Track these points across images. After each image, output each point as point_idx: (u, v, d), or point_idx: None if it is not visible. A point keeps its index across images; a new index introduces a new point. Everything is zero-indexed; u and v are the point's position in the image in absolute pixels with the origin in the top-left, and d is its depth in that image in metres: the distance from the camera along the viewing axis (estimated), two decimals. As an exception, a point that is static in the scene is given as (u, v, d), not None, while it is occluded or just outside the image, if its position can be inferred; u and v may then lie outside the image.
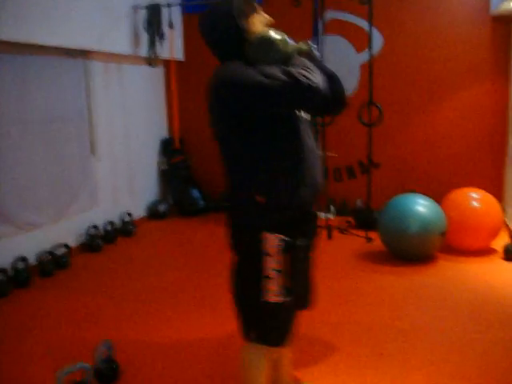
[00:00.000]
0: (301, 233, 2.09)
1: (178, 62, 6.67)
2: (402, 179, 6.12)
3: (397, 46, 6.10)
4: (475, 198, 4.91)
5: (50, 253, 4.66)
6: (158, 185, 6.83)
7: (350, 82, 6.32)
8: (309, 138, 2.11)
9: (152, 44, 5.76)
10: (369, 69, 5.17)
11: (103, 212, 5.56)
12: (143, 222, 6.24)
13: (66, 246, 4.84)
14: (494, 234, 4.88)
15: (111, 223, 5.56)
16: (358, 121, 5.37)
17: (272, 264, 2.01)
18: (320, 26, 5.61)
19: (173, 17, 6.00)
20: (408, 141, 6.25)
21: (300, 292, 2.19)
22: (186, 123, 6.90)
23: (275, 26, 2.07)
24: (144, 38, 5.82)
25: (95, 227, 5.30)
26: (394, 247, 4.83)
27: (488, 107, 5.98)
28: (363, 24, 5.97)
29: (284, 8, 5.82)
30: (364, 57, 6.25)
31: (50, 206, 4.80)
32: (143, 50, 5.84)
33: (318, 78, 1.89)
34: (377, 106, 5.20)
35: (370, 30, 5.25)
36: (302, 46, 2.05)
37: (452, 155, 6.15)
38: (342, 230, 5.70)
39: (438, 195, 5.10)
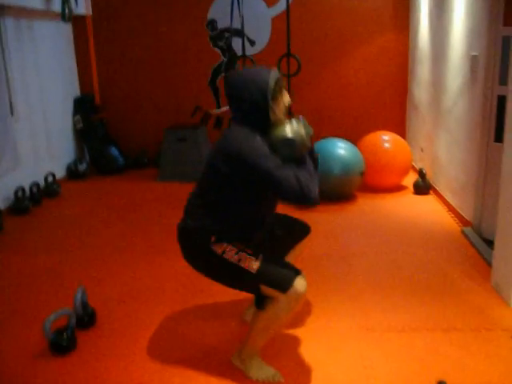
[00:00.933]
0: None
1: (84, 18, 6.51)
2: (319, 126, 6.52)
3: (306, 1, 6.40)
4: (387, 140, 5.42)
5: (-18, 216, 4.53)
6: (75, 144, 6.71)
7: (263, 36, 6.57)
8: (268, 210, 2.55)
9: (65, -1, 5.58)
10: (286, 22, 5.41)
11: (26, 173, 5.42)
12: (64, 183, 6.14)
13: (-3, 208, 4.72)
14: (405, 172, 5.44)
15: (36, 184, 5.45)
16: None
17: (231, 253, 2.34)
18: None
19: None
20: (321, 90, 6.65)
21: (291, 232, 2.72)
22: (101, 81, 6.80)
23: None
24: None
25: (22, 189, 5.17)
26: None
27: (391, 57, 6.54)
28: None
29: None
30: (274, 11, 6.51)
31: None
32: (55, 6, 5.64)
33: (316, 188, 2.21)
34: (295, 58, 5.48)
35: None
36: (309, 133, 2.29)
37: (361, 102, 6.69)
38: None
39: (352, 139, 5.54)
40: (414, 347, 2.68)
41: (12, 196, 5.14)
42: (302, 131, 2.27)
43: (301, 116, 2.36)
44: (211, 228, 2.39)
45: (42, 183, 5.63)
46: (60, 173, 6.20)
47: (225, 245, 2.35)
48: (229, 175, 2.30)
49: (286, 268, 2.35)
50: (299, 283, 2.25)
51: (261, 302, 2.40)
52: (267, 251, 2.41)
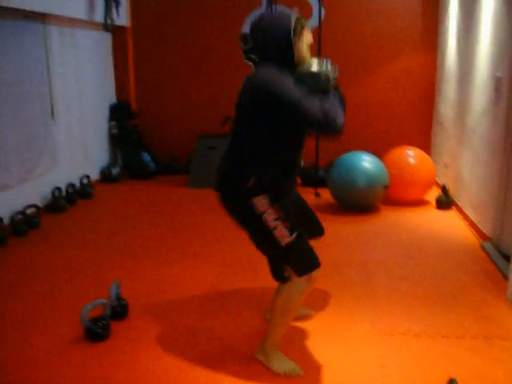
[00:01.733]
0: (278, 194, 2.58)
1: (125, 28, 6.81)
2: (346, 140, 6.67)
3: (336, 18, 6.60)
4: (411, 155, 5.56)
5: (22, 213, 4.78)
6: (109, 149, 6.99)
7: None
8: (301, 151, 2.65)
9: (108, 9, 5.86)
10: (317, 39, 5.60)
11: (63, 175, 5.70)
12: (98, 185, 6.40)
13: (36, 206, 4.97)
14: (428, 187, 5.57)
15: (72, 185, 5.71)
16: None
17: (271, 217, 2.46)
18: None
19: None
20: (350, 104, 6.76)
21: (309, 224, 2.77)
22: (137, 89, 7.11)
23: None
24: (98, 3, 5.90)
25: (59, 189, 5.43)
26: (343, 200, 5.38)
27: (418, 75, 6.68)
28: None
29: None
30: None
31: (17, 168, 4.90)
32: (97, 16, 5.94)
33: (340, 118, 2.37)
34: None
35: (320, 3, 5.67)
36: (334, 74, 2.46)
37: (388, 117, 6.84)
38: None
39: (377, 154, 5.69)
40: (429, 351, 2.81)
41: (49, 195, 5.41)
42: (328, 68, 2.42)
43: (326, 58, 2.51)
44: (248, 169, 2.47)
45: (77, 184, 5.90)
46: (94, 175, 6.47)
47: (267, 205, 2.43)
48: (258, 110, 2.41)
49: (311, 255, 2.53)
50: (314, 273, 2.49)
51: (275, 273, 2.66)
52: (301, 229, 2.53)
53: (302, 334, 2.98)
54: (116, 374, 2.65)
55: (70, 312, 3.24)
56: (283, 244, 2.45)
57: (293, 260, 2.50)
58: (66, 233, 4.83)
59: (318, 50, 5.64)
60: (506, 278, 3.60)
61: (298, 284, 2.50)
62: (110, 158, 6.98)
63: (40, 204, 5.25)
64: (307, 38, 2.50)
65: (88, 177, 6.05)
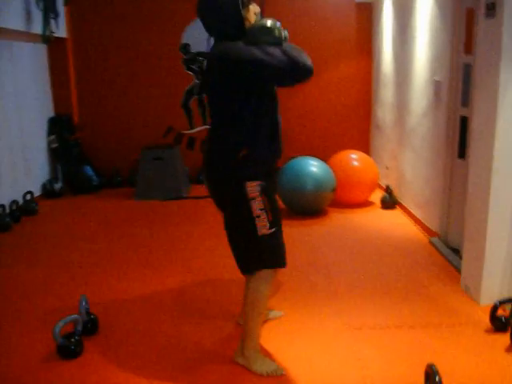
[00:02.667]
0: (269, 179, 2.63)
1: (64, 40, 6.67)
2: (288, 146, 6.82)
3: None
4: (355, 159, 5.77)
5: (-33, 233, 4.58)
6: (50, 163, 6.79)
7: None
8: (279, 110, 2.67)
9: (46, 21, 5.71)
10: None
11: (5, 192, 5.50)
12: (40, 201, 6.20)
13: (-20, 225, 4.78)
14: (372, 188, 5.80)
15: (15, 202, 5.52)
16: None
17: (257, 205, 2.53)
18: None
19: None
20: (290, 111, 6.98)
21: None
22: (78, 102, 6.97)
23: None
24: (36, 14, 5.75)
25: (2, 206, 5.24)
26: (292, 204, 5.49)
27: (355, 81, 6.97)
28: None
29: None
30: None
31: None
32: (35, 27, 5.78)
33: (308, 59, 2.42)
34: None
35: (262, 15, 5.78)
36: (285, 32, 2.54)
37: (328, 123, 7.09)
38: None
39: (320, 158, 5.84)
40: (399, 342, 2.95)
41: (-8, 213, 5.20)
42: (279, 24, 2.47)
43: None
44: (235, 141, 2.50)
45: (20, 201, 5.70)
46: (36, 191, 6.27)
47: (257, 193, 2.50)
48: (227, 81, 2.44)
49: (282, 252, 2.64)
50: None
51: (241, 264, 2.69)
52: (280, 226, 2.62)
53: (276, 336, 3.04)
54: (96, 389, 2.62)
55: (38, 330, 3.15)
56: (259, 234, 2.52)
57: (263, 252, 2.57)
58: (15, 251, 4.65)
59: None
60: (457, 270, 3.82)
61: (263, 276, 2.59)
62: (50, 173, 6.78)
63: (-18, 223, 5.04)
64: (254, 8, 2.56)
65: (31, 193, 5.86)
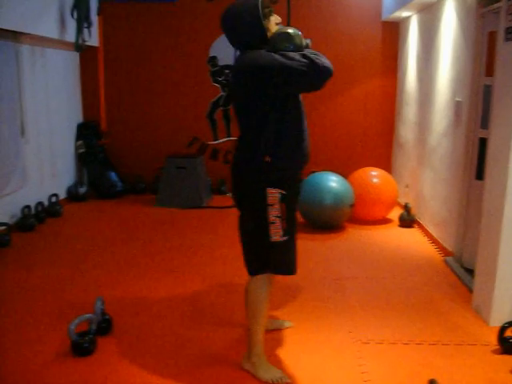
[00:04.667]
0: (291, 189, 2.68)
1: (95, 48, 6.87)
2: (311, 162, 6.90)
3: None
4: (375, 175, 5.81)
5: (-8, 231, 4.74)
6: (76, 168, 6.98)
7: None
8: (305, 119, 2.72)
9: (80, 29, 5.91)
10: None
11: (31, 193, 5.67)
12: (65, 204, 6.38)
13: (6, 224, 4.94)
14: (391, 205, 5.82)
15: (41, 204, 5.69)
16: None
17: (274, 212, 2.60)
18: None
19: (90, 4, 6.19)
20: (314, 127, 7.01)
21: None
22: (106, 109, 7.16)
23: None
24: (70, 23, 5.95)
25: (28, 207, 5.41)
26: (311, 218, 5.55)
27: (379, 99, 7.02)
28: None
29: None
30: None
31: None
32: (68, 35, 5.98)
33: (327, 61, 2.50)
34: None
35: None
36: (308, 40, 2.63)
37: (351, 139, 7.14)
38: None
39: (342, 175, 5.90)
40: (405, 358, 2.98)
41: (18, 214, 5.37)
42: (299, 32, 2.55)
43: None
44: (261, 149, 2.56)
45: (45, 203, 5.87)
46: (61, 194, 6.44)
47: (276, 200, 2.56)
48: (253, 90, 2.51)
49: (292, 260, 2.71)
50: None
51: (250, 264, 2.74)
52: (295, 236, 2.70)
53: (284, 345, 3.10)
54: (106, 386, 2.70)
55: (54, 328, 3.26)
56: (272, 240, 2.60)
57: (273, 257, 2.64)
58: (38, 251, 4.81)
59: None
60: (470, 290, 3.83)
61: (260, 279, 2.67)
62: (76, 177, 6.97)
63: (10, 222, 5.21)
64: (275, 19, 2.64)
65: (56, 195, 6.04)
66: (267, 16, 2.58)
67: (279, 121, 2.57)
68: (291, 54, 2.46)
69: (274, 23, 2.62)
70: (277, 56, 2.45)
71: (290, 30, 2.55)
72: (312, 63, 2.42)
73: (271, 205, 2.59)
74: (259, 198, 2.60)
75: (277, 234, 2.60)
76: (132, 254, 4.73)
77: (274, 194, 2.59)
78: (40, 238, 5.20)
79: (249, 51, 2.56)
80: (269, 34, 2.58)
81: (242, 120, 2.69)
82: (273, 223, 2.59)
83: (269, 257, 2.66)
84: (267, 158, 2.57)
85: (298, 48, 2.52)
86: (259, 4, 2.53)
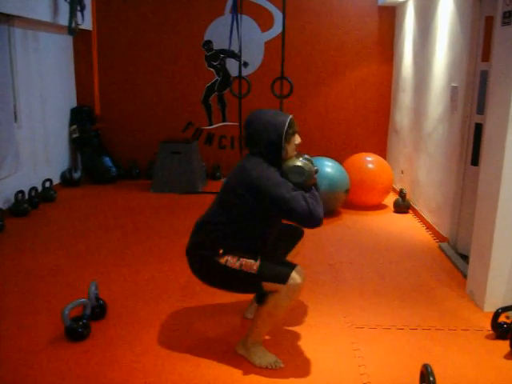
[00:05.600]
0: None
1: (89, 32, 6.80)
2: (307, 146, 6.86)
3: (298, 29, 6.81)
4: (370, 161, 5.79)
5: (-15, 216, 4.71)
6: (70, 153, 6.93)
7: (256, 58, 6.96)
8: (272, 232, 2.84)
9: (73, 13, 5.84)
10: (282, 47, 5.76)
11: (25, 178, 5.63)
12: (59, 189, 6.34)
13: (0, 209, 4.90)
14: (386, 191, 5.81)
15: (34, 189, 5.66)
16: (271, 93, 5.95)
17: (232, 262, 2.65)
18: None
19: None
20: (310, 113, 7.04)
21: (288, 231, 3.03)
22: (100, 93, 7.10)
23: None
24: (63, 6, 5.88)
25: (21, 192, 5.37)
26: (306, 204, 5.54)
27: (375, 84, 6.99)
28: (268, 6, 6.66)
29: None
30: (268, 36, 6.91)
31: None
32: (61, 19, 5.91)
33: (321, 212, 2.57)
34: (288, 81, 5.83)
35: (284, 14, 5.82)
36: (316, 167, 2.70)
37: (347, 125, 7.12)
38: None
39: (338, 160, 5.89)
40: (399, 342, 2.99)
41: (11, 199, 5.34)
42: (310, 164, 2.66)
43: (306, 154, 2.75)
44: (220, 242, 2.69)
45: (39, 188, 5.84)
46: (55, 179, 6.40)
47: (226, 256, 2.66)
48: (247, 200, 2.61)
49: (282, 263, 2.68)
50: (297, 274, 2.58)
51: (261, 298, 2.70)
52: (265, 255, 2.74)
53: (279, 329, 3.10)
54: (99, 372, 2.68)
55: (48, 312, 3.25)
56: (255, 271, 2.61)
57: (272, 276, 2.61)
58: (32, 236, 4.78)
59: (281, 58, 5.80)
60: (464, 275, 3.84)
61: (285, 292, 2.59)
62: (70, 162, 6.92)
63: (2, 207, 5.18)
64: (296, 140, 2.72)
65: (50, 180, 6.00)
66: (290, 136, 2.67)
67: (242, 225, 2.69)
68: (297, 194, 2.51)
69: (293, 145, 2.71)
70: (285, 189, 2.52)
71: (306, 167, 2.61)
72: (308, 209, 2.49)
73: (226, 261, 2.66)
74: (216, 269, 2.70)
75: (253, 265, 2.62)
76: (126, 239, 4.72)
77: (220, 257, 2.68)
78: (34, 223, 5.17)
79: (260, 162, 2.64)
80: (284, 154, 2.66)
81: (219, 204, 2.79)
82: (242, 265, 2.63)
83: (261, 280, 2.63)
84: (220, 251, 2.68)
85: (308, 180, 2.62)
86: (287, 123, 2.63)
